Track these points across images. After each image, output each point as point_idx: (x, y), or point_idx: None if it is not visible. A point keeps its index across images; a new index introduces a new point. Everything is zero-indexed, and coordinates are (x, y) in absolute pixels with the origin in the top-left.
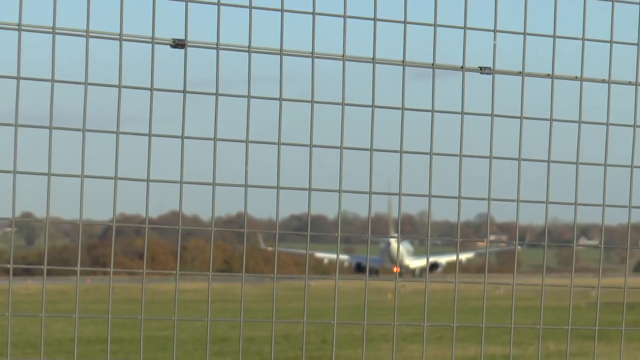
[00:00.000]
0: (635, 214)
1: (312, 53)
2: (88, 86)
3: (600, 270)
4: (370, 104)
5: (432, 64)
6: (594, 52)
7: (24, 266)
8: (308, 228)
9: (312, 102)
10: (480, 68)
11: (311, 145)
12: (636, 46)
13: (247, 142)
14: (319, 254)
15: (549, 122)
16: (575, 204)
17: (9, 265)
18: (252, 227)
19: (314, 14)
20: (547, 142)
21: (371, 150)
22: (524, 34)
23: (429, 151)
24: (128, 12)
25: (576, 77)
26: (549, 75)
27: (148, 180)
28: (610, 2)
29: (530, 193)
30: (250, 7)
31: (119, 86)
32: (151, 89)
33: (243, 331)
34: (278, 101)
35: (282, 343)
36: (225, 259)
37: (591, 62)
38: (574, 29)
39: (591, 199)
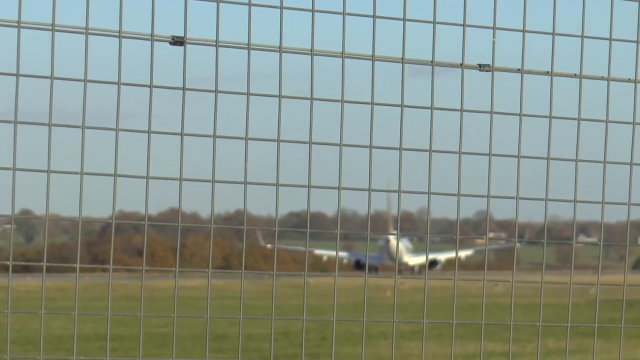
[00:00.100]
0: (634, 211)
1: (311, 50)
2: (87, 83)
3: (600, 268)
4: (370, 101)
5: (432, 61)
6: (593, 50)
7: (23, 263)
8: (307, 225)
9: (312, 99)
10: (480, 65)
11: (310, 143)
12: (635, 43)
13: (246, 139)
14: (318, 251)
15: (548, 119)
16: (575, 201)
17: (8, 262)
18: (251, 224)
19: (313, 11)
20: (546, 139)
21: (370, 147)
22: (523, 31)
23: (428, 148)
24: (127, 9)
25: (575, 75)
26: (548, 72)
27: (147, 177)
28: (609, 0)
29: (530, 190)
30: (250, 5)
31: (118, 83)
32: (150, 86)
33: (242, 328)
34: (277, 98)
35: (282, 340)
36: (224, 255)
37: (590, 60)
38: (573, 26)
39: (590, 197)
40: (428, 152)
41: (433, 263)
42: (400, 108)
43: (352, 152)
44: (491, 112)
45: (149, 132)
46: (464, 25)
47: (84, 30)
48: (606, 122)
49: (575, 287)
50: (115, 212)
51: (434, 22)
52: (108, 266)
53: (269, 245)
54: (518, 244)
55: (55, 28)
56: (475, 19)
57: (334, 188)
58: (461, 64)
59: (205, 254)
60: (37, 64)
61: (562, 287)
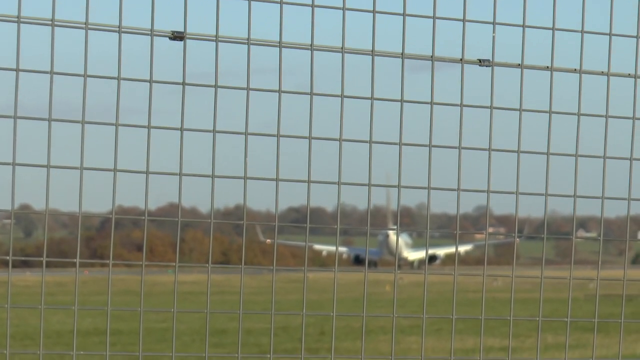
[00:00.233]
0: (633, 206)
1: (311, 45)
2: (87, 78)
3: (600, 263)
4: (369, 96)
5: (431, 56)
6: (593, 45)
7: (23, 258)
8: (307, 220)
9: (311, 94)
10: (480, 60)
11: (310, 138)
12: (635, 38)
13: (246, 134)
14: (317, 246)
15: (548, 114)
16: (575, 196)
17: (8, 257)
18: (251, 219)
19: (313, 6)
20: (546, 134)
21: (370, 142)
22: (523, 26)
23: (428, 143)
24: (127, 4)
25: (575, 70)
26: (547, 67)
27: (147, 173)
28: None
29: (529, 185)
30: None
31: (118, 78)
32: (150, 81)
33: (240, 323)
34: (277, 93)
35: (281, 335)
36: (223, 251)
37: (590, 55)
38: (573, 21)
39: (590, 192)
40: (428, 147)
41: (432, 258)
42: (400, 103)
43: (352, 147)
44: (491, 107)
45: (149, 127)
46: (463, 20)
47: (84, 26)
48: (606, 118)
49: (574, 282)
50: (114, 207)
51: (434, 17)
52: (107, 261)
53: (268, 241)
54: (517, 239)
55: (55, 23)
56: (475, 14)
57: (333, 183)
58: (461, 59)
59: (204, 249)
60: (36, 59)
61: (561, 282)
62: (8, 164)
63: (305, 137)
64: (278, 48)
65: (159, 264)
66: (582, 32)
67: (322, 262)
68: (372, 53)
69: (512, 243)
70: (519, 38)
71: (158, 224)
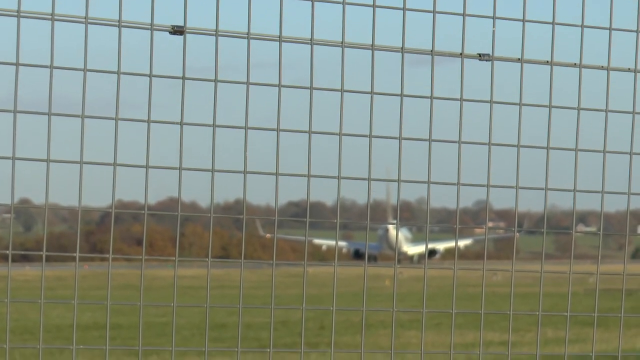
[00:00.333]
0: (633, 200)
1: (311, 40)
2: (87, 73)
3: (600, 257)
4: (369, 90)
5: (431, 51)
6: (593, 39)
7: (22, 252)
8: (307, 214)
9: (311, 88)
10: (479, 55)
11: (310, 132)
12: (635, 33)
13: (246, 128)
14: (317, 241)
15: (547, 108)
16: (574, 190)
17: (8, 252)
18: (250, 213)
19: (312, 0)
20: (545, 128)
21: (370, 136)
22: (523, 20)
23: (427, 138)
24: None
25: (575, 64)
26: (547, 62)
27: (147, 167)
28: None
29: (529, 179)
30: None
31: (118, 73)
32: (150, 76)
33: (240, 317)
34: (277, 88)
35: (280, 329)
36: (223, 245)
37: (590, 49)
38: (573, 16)
39: (589, 186)
40: (428, 142)
41: (432, 252)
42: (399, 97)
43: (351, 141)
44: (491, 102)
45: (149, 121)
46: (463, 14)
47: (84, 20)
48: (606, 112)
49: (574, 277)
50: (114, 201)
51: (434, 12)
52: (107, 255)
53: (268, 235)
54: (517, 233)
55: (55, 17)
56: (475, 9)
57: (333, 177)
58: (461, 54)
59: (204, 243)
60: (36, 53)
61: (560, 277)
62: (8, 158)
63: (305, 132)
64: (278, 42)
65: (158, 258)
66: (582, 26)
67: (321, 256)
68: (372, 47)
69: (512, 237)
70: (518, 32)
71: (158, 218)
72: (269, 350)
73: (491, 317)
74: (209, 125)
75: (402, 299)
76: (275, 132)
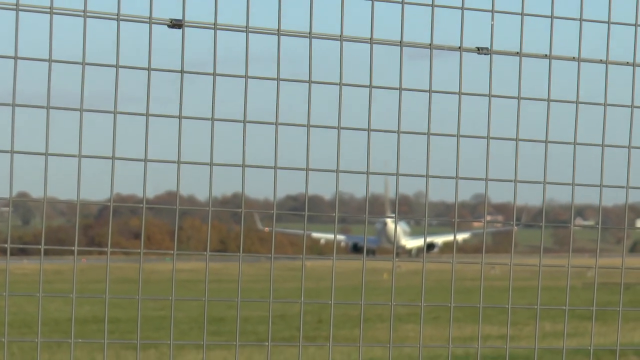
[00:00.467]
0: (631, 194)
1: (309, 33)
2: (85, 66)
3: (598, 251)
4: (368, 84)
5: (430, 45)
6: (592, 33)
7: (21, 246)
8: (305, 208)
9: (310, 82)
10: (478, 48)
11: (309, 126)
12: (634, 27)
13: (244, 122)
14: (315, 234)
15: (546, 102)
16: (573, 184)
17: (6, 245)
18: (249, 207)
19: None
20: (544, 122)
21: (369, 130)
22: (522, 14)
23: (426, 131)
24: None
25: (574, 58)
26: (546, 55)
27: (145, 160)
28: None
29: (527, 173)
30: None
31: (117, 66)
32: (149, 69)
33: (239, 311)
34: (275, 81)
35: (279, 323)
36: (221, 238)
37: (589, 43)
38: (572, 9)
39: (587, 180)
40: (426, 135)
41: (430, 246)
42: (398, 91)
43: (350, 135)
44: (489, 96)
45: (147, 115)
46: (462, 8)
47: (82, 13)
48: (604, 106)
49: (572, 270)
50: (112, 194)
51: (433, 5)
52: (106, 249)
53: (266, 229)
54: (515, 227)
55: (53, 11)
56: (474, 2)
57: (332, 171)
58: (459, 47)
59: (202, 236)
60: (35, 46)
61: (558, 270)
62: (6, 151)
63: (303, 125)
64: (276, 36)
65: (157, 251)
66: (581, 20)
67: (319, 250)
68: (371, 41)
69: (510, 231)
70: (517, 26)
71: (156, 211)
72: (267, 344)
73: (489, 310)
74: (208, 119)
75: (400, 293)
76: (274, 126)
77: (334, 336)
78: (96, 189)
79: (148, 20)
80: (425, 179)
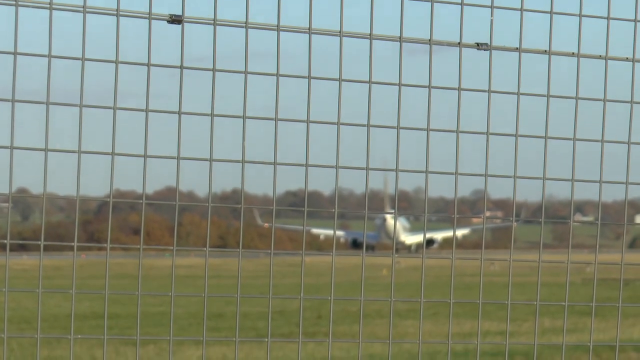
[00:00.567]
0: (630, 190)
1: (309, 29)
2: (85, 62)
3: (597, 247)
4: (367, 80)
5: (429, 40)
6: (591, 28)
7: (20, 242)
8: (305, 204)
9: (309, 78)
10: (478, 44)
11: (308, 122)
12: (633, 22)
13: (244, 118)
14: (315, 230)
15: (545, 98)
16: (572, 180)
17: (5, 241)
18: (248, 203)
19: None
20: (544, 118)
21: (368, 126)
22: (521, 10)
23: (425, 127)
24: None
25: (573, 54)
26: (546, 51)
27: (145, 156)
28: None
29: (526, 169)
30: None
31: (116, 62)
32: (148, 65)
33: (238, 307)
34: (275, 77)
35: (278, 319)
36: (220, 234)
37: (589, 39)
38: (571, 5)
39: (586, 175)
40: (426, 131)
41: (430, 242)
42: (397, 87)
43: (349, 131)
44: (489, 91)
45: (147, 110)
46: (461, 4)
47: (82, 9)
48: (604, 101)
49: (571, 266)
50: (112, 190)
51: (432, 1)
52: (105, 245)
53: (266, 224)
54: (515, 222)
55: (53, 6)
56: None
57: (331, 167)
58: (459, 43)
59: (201, 232)
60: (35, 42)
61: (557, 266)
62: (6, 147)
63: (303, 121)
64: (276, 32)
65: (156, 247)
66: (580, 15)
67: (319, 246)
68: (370, 37)
69: (509, 227)
70: (517, 22)
71: (155, 207)
72: (266, 339)
73: (488, 306)
74: (207, 115)
75: (399, 289)
76: (273, 122)
77: (333, 332)
78: (95, 185)
79: (147, 15)
80: (424, 174)
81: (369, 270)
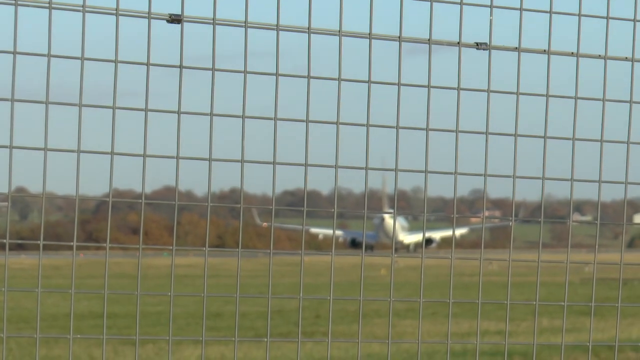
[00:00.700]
0: (628, 189)
1: (308, 28)
2: (84, 61)
3: (597, 247)
4: (367, 79)
5: (429, 40)
6: (590, 28)
7: (19, 241)
8: (304, 204)
9: (309, 77)
10: (477, 44)
11: (307, 121)
12: (632, 22)
13: (243, 117)
14: (314, 230)
15: (545, 97)
16: (572, 180)
17: (4, 240)
18: (247, 202)
19: None
20: (543, 118)
21: (367, 125)
22: (521, 9)
23: (425, 127)
24: None
25: (572, 53)
26: (545, 51)
27: (144, 156)
28: None
29: (524, 169)
30: None
31: (115, 61)
32: (147, 64)
33: (237, 306)
34: (274, 77)
35: (276, 318)
36: (219, 234)
37: (588, 38)
38: (571, 5)
39: (584, 175)
40: (425, 131)
41: (428, 241)
42: (397, 86)
43: (348, 130)
44: (488, 91)
45: (146, 110)
46: (461, 3)
47: (81, 8)
48: (603, 101)
49: (569, 266)
50: (111, 190)
51: (431, 0)
52: (104, 244)
53: (265, 224)
54: (513, 222)
55: (53, 5)
56: None
57: (330, 167)
58: (458, 43)
59: (200, 232)
60: (34, 41)
61: (556, 266)
62: (5, 146)
63: (302, 121)
64: (275, 31)
65: (155, 247)
66: (580, 15)
67: (317, 245)
68: (370, 36)
69: (507, 226)
70: (516, 21)
71: (153, 207)
72: (266, 339)
73: (487, 306)
74: (206, 114)
75: (398, 288)
76: (273, 121)
77: (331, 331)
78: (93, 184)
79: (147, 15)
80: (423, 174)
81: (367, 270)
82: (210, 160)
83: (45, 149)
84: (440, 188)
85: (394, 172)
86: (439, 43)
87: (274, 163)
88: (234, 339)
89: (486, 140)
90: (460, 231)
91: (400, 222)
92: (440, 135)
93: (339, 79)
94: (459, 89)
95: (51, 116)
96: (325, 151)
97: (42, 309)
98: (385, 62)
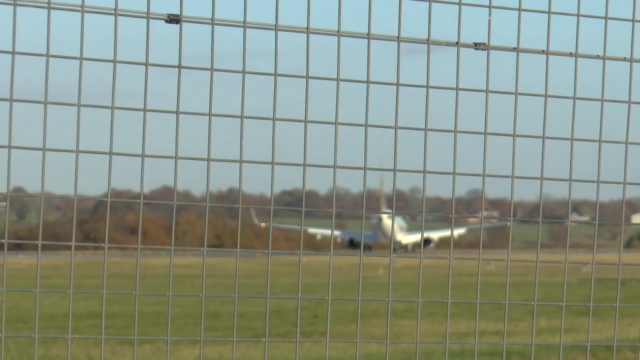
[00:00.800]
0: (627, 190)
1: (307, 28)
2: (83, 61)
3: (595, 247)
4: (365, 79)
5: (427, 40)
6: (589, 28)
7: (17, 241)
8: (302, 204)
9: (307, 77)
10: (475, 44)
11: (306, 121)
12: (631, 22)
13: (241, 117)
14: (312, 230)
15: (543, 98)
16: (570, 180)
17: (3, 240)
18: (245, 202)
19: None
20: (541, 118)
21: (366, 126)
22: (519, 9)
23: (423, 127)
24: None
25: (571, 53)
26: (543, 51)
27: (143, 156)
28: None
29: (522, 169)
30: None
31: (114, 61)
32: (146, 64)
33: (235, 306)
34: (273, 77)
35: (274, 318)
36: (217, 234)
37: (586, 38)
38: (569, 5)
39: (582, 175)
40: (423, 131)
41: (426, 242)
42: (395, 87)
43: (346, 130)
44: (487, 91)
45: (145, 110)
46: (459, 3)
47: (80, 8)
48: (601, 101)
49: (567, 266)
50: (110, 190)
51: (430, 0)
52: (103, 244)
53: (263, 224)
54: (512, 222)
55: (51, 6)
56: None
57: (329, 167)
58: (457, 43)
59: (198, 232)
60: (33, 42)
61: (554, 266)
62: (4, 147)
63: (300, 121)
64: (274, 31)
65: (153, 247)
66: (578, 15)
67: (315, 245)
68: (368, 36)
69: (505, 226)
70: (514, 21)
71: (151, 207)
72: (264, 340)
73: (485, 306)
74: (205, 114)
75: (396, 289)
76: (271, 121)
77: (329, 331)
78: (91, 184)
79: (146, 15)
80: (421, 174)
81: (365, 270)
82: (208, 160)
83: (43, 149)
84: (438, 188)
85: (392, 172)
86: (438, 43)
87: (272, 163)
88: (232, 339)
89: (484, 141)
90: (458, 231)
91: (398, 222)
92: (439, 136)
93: (338, 79)
94: (457, 89)
95: (50, 116)
96: (323, 151)
97: (41, 309)
98: (383, 62)
